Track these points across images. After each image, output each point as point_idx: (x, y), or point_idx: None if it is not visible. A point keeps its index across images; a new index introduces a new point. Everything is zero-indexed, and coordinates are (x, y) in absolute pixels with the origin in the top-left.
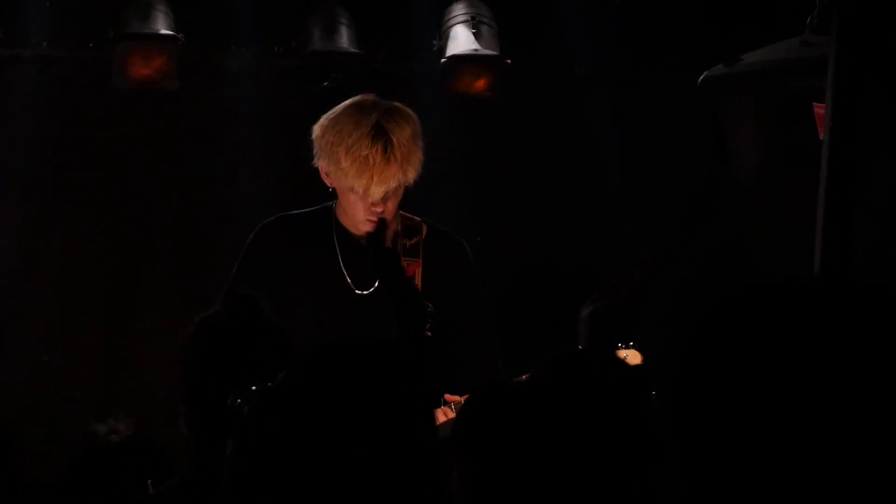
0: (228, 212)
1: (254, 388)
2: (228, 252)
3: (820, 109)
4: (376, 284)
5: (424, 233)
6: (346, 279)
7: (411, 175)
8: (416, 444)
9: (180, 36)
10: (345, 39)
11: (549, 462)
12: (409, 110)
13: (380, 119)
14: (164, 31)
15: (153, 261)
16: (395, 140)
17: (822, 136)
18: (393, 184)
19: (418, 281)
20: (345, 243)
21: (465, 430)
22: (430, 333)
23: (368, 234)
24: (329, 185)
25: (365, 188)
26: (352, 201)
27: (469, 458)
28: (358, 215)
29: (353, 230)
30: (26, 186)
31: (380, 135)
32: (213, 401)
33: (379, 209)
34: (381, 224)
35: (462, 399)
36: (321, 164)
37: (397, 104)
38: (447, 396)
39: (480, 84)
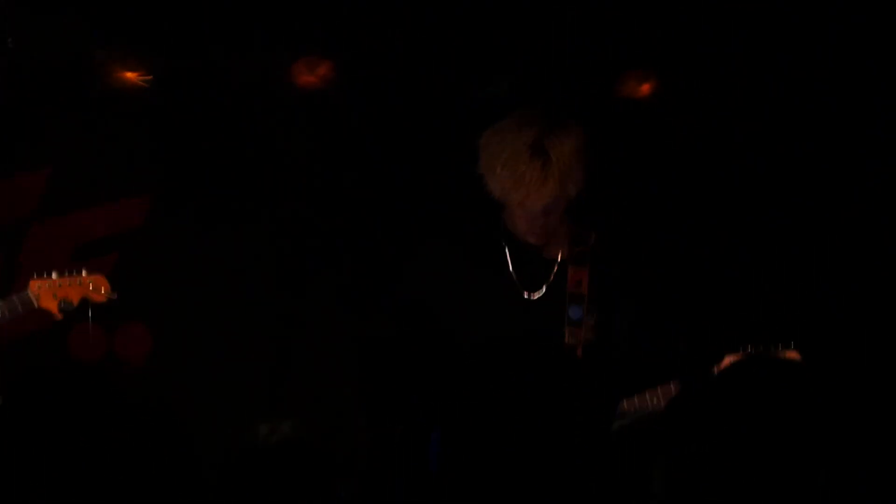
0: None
1: None
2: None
3: None
4: (544, 289)
5: (593, 240)
6: (516, 283)
7: (572, 190)
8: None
9: None
10: None
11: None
12: (575, 124)
13: (540, 134)
14: None
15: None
16: (553, 157)
17: None
18: (549, 199)
19: (584, 289)
20: (514, 248)
21: (673, 429)
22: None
23: (534, 242)
24: (494, 195)
25: (520, 203)
26: (513, 212)
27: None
28: (519, 226)
29: (519, 237)
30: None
31: (538, 152)
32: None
33: (539, 222)
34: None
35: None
36: (483, 171)
37: (564, 118)
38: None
39: None
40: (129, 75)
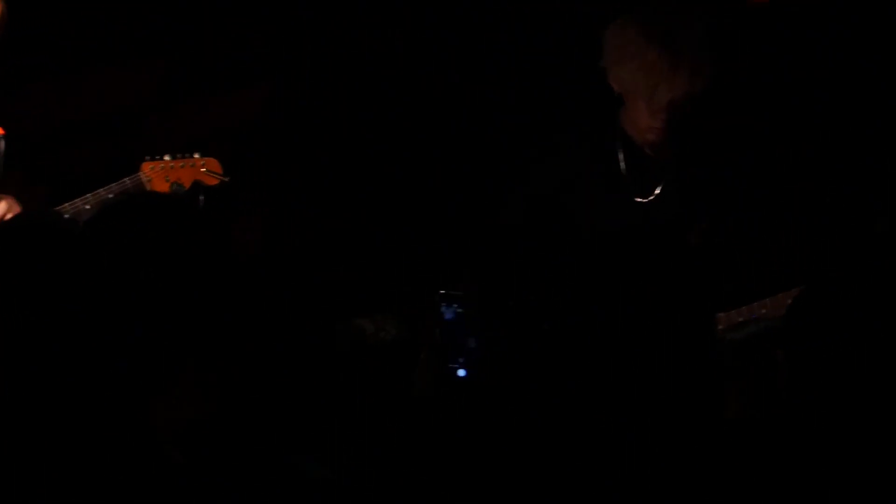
0: None
1: None
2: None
3: None
4: (657, 191)
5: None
6: (629, 185)
7: (699, 84)
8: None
9: None
10: None
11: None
12: (705, 15)
13: (670, 24)
14: None
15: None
16: (684, 46)
17: None
18: (678, 92)
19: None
20: (628, 150)
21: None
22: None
23: (652, 141)
24: (616, 89)
25: (649, 96)
26: (636, 107)
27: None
28: (641, 122)
29: (637, 137)
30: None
31: (668, 41)
32: None
33: (662, 117)
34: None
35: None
36: (608, 64)
37: (694, 9)
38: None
39: None
40: None
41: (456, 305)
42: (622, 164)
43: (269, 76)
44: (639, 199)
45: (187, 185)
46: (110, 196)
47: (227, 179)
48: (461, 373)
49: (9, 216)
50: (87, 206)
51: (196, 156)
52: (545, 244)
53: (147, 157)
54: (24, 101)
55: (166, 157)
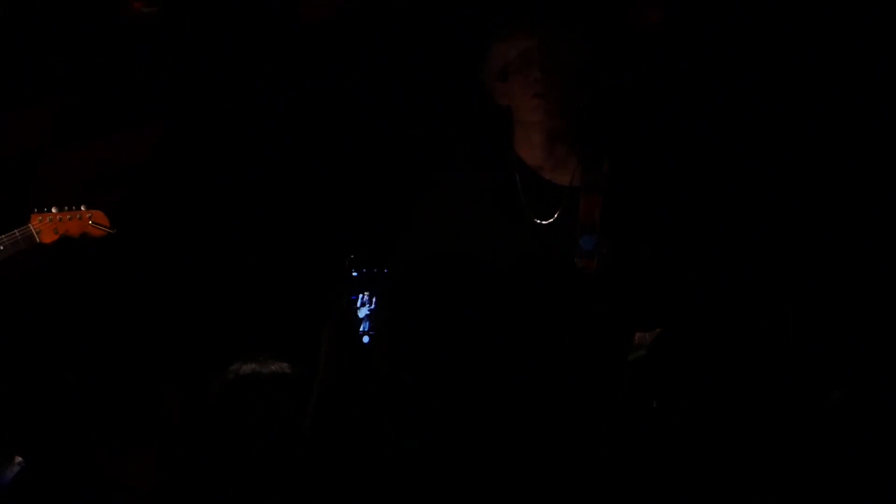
0: None
1: None
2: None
3: None
4: (556, 215)
5: (606, 168)
6: (527, 210)
7: (582, 47)
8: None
9: None
10: None
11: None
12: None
13: (543, 30)
14: None
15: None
16: (556, 30)
17: None
18: (561, 48)
19: (597, 217)
20: (524, 174)
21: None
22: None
23: (548, 165)
24: (501, 101)
25: (523, 62)
26: (517, 89)
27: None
28: (525, 102)
29: (530, 162)
30: None
31: (542, 27)
32: None
33: (552, 93)
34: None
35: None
36: (487, 79)
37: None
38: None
39: None
40: (136, 4)
41: (365, 270)
42: (519, 188)
43: (162, 116)
44: (538, 221)
45: (76, 236)
46: (1, 248)
47: (113, 231)
48: (366, 339)
49: None
50: None
51: (83, 208)
52: (445, 276)
53: (35, 210)
54: None
55: (54, 210)
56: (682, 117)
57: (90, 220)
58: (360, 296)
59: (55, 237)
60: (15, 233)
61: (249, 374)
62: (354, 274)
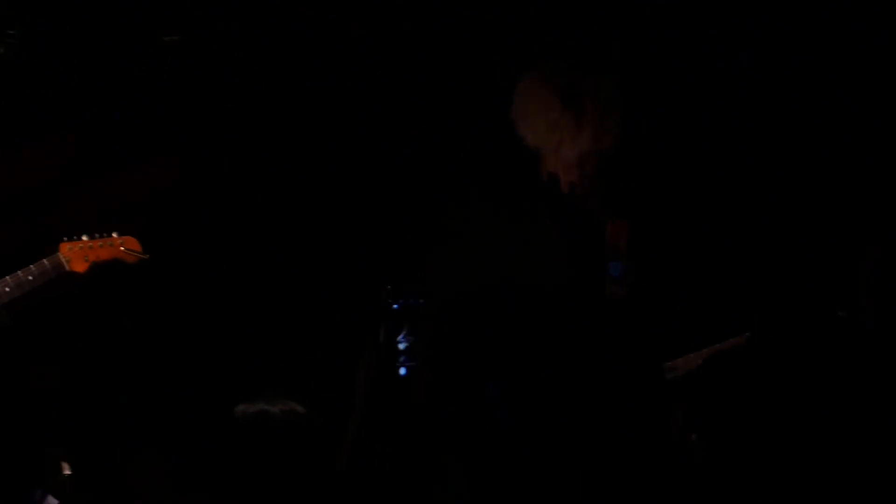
0: None
1: None
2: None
3: None
4: (582, 244)
5: (633, 197)
6: (555, 238)
7: (608, 141)
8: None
9: None
10: None
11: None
12: (611, 70)
13: (574, 81)
14: None
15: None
16: (587, 105)
17: None
18: (584, 149)
19: (623, 245)
20: (552, 202)
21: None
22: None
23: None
24: (522, 142)
25: (554, 151)
26: (547, 162)
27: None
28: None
29: (557, 189)
30: None
31: (571, 99)
32: None
33: (574, 173)
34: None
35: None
36: (515, 119)
37: (600, 64)
38: None
39: None
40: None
41: (402, 300)
42: (547, 216)
43: (181, 146)
44: (567, 248)
45: (108, 262)
46: (30, 278)
47: (146, 257)
48: (402, 371)
49: None
50: (7, 289)
51: (114, 235)
52: (482, 306)
53: (65, 238)
54: None
55: (84, 238)
56: (707, 141)
57: (122, 247)
58: (400, 327)
59: (86, 265)
60: (44, 262)
61: (258, 413)
62: (395, 306)
